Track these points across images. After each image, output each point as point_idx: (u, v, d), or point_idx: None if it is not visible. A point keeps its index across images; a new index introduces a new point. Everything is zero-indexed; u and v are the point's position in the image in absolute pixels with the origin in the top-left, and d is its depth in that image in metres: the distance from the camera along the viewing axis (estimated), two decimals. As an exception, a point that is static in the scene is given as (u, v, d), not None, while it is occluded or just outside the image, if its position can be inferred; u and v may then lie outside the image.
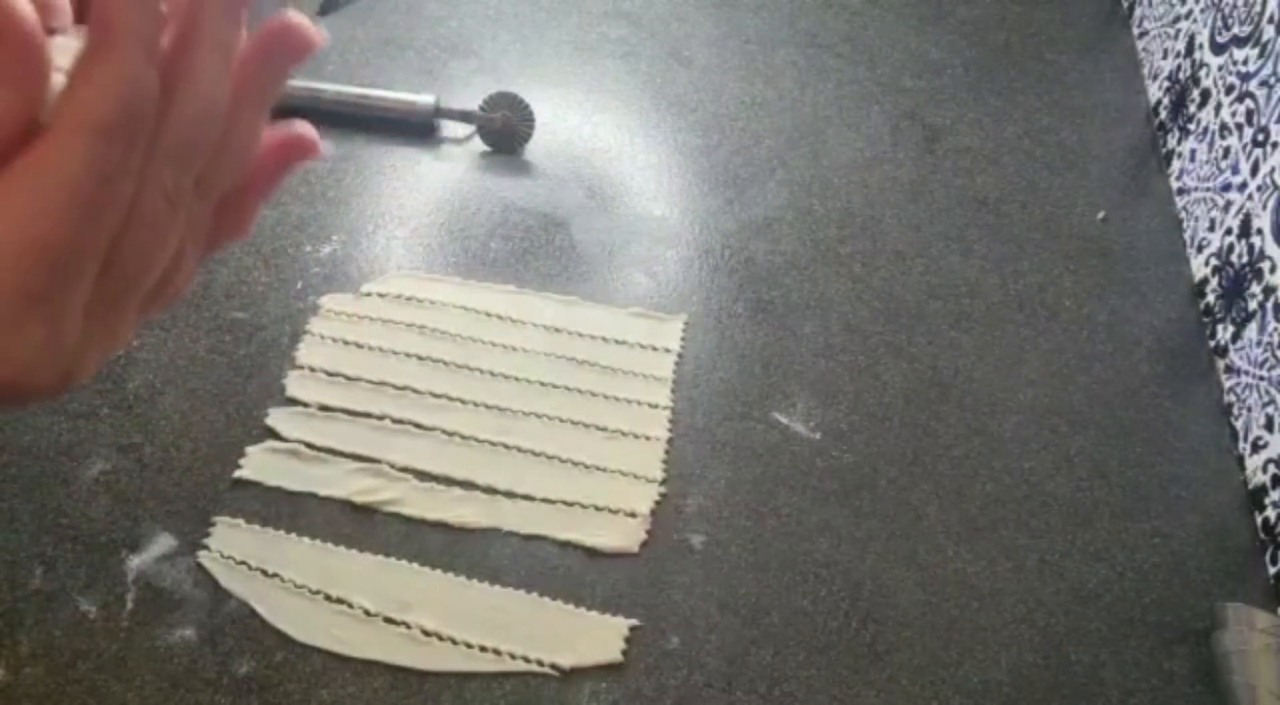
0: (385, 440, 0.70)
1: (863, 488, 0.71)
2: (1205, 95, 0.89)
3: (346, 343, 0.75)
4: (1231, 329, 0.78)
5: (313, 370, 0.73)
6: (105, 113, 0.25)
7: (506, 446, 0.70)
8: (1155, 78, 1.00)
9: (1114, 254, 0.87)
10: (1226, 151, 0.83)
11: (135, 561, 0.63)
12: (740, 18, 1.05)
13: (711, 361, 0.77)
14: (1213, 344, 0.81)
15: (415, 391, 0.72)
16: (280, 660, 0.60)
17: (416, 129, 0.90)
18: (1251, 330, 0.76)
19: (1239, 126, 0.82)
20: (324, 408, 0.71)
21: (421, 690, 0.59)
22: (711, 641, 0.63)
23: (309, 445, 0.69)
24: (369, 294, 0.78)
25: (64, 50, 0.28)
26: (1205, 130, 0.88)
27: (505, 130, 0.89)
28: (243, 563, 0.63)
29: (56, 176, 0.25)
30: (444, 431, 0.71)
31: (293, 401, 0.71)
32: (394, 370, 0.73)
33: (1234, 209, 0.81)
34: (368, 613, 0.62)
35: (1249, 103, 0.81)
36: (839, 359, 0.78)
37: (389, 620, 0.62)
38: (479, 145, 0.91)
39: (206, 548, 0.64)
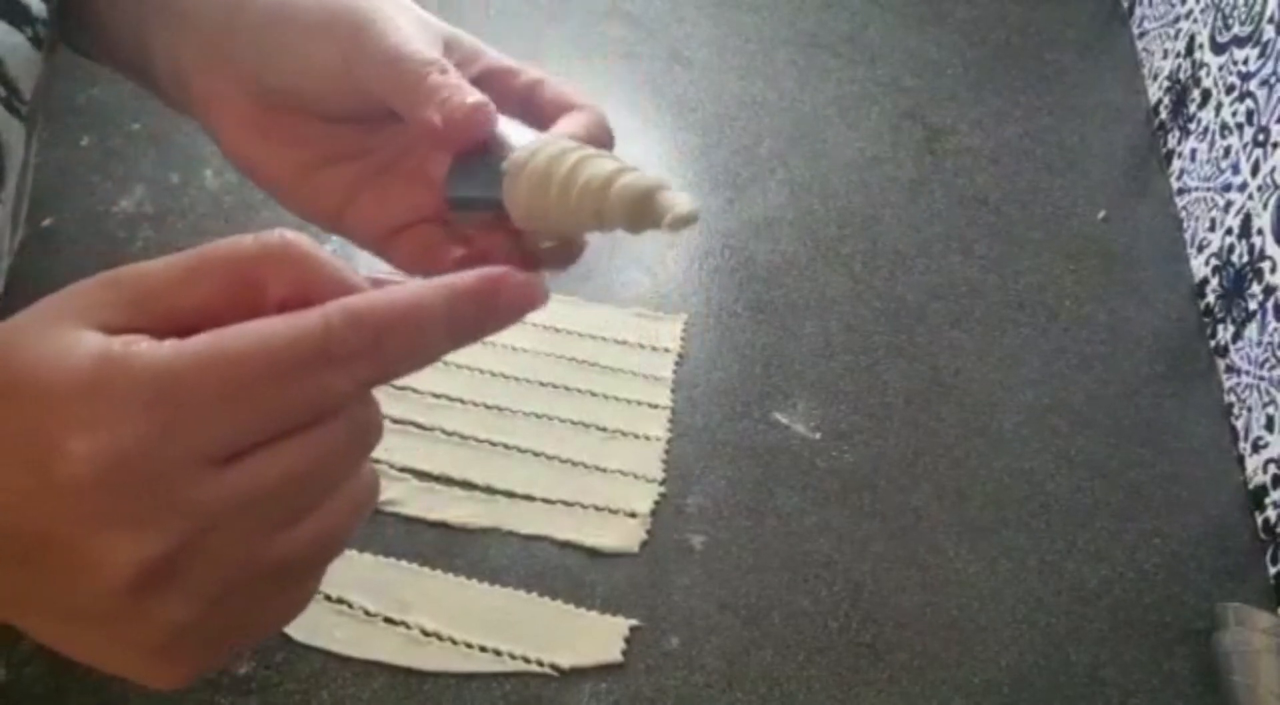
0: (385, 440, 0.69)
1: (863, 488, 0.71)
2: (1205, 95, 0.89)
3: (346, 343, 0.75)
4: (1232, 329, 0.78)
5: (313, 370, 0.73)
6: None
7: (506, 446, 0.70)
8: (1155, 78, 1.00)
9: (1114, 254, 0.87)
10: (1227, 151, 0.83)
11: (135, 561, 0.63)
12: (740, 18, 1.05)
13: (711, 361, 0.77)
14: (1213, 344, 0.81)
15: (415, 391, 0.72)
16: (280, 660, 0.60)
17: (416, 129, 0.90)
18: (1252, 330, 0.76)
19: (1239, 126, 0.82)
20: (324, 408, 0.71)
21: (421, 690, 0.59)
22: (711, 641, 0.63)
23: (309, 445, 0.69)
24: (369, 294, 0.78)
25: None
26: (1205, 130, 0.88)
27: (505, 130, 0.89)
28: (242, 563, 0.63)
29: None
30: (443, 431, 0.71)
31: (293, 401, 0.71)
32: (394, 370, 0.73)
33: (1234, 209, 0.81)
34: (367, 613, 0.62)
35: (1249, 102, 0.81)
36: (839, 359, 0.78)
37: (389, 620, 0.62)
38: (479, 145, 0.90)
39: (206, 548, 0.64)
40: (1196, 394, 0.78)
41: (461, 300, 0.27)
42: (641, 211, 0.32)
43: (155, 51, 0.40)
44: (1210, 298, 0.82)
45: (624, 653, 0.61)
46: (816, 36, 1.04)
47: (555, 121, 0.37)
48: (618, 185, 0.33)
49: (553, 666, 0.60)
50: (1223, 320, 0.80)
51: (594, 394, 0.73)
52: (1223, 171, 0.83)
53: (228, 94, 0.38)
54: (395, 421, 0.71)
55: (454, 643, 0.61)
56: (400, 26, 0.36)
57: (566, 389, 0.74)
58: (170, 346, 0.23)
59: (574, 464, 0.70)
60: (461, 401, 0.72)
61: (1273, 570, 0.69)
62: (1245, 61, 0.82)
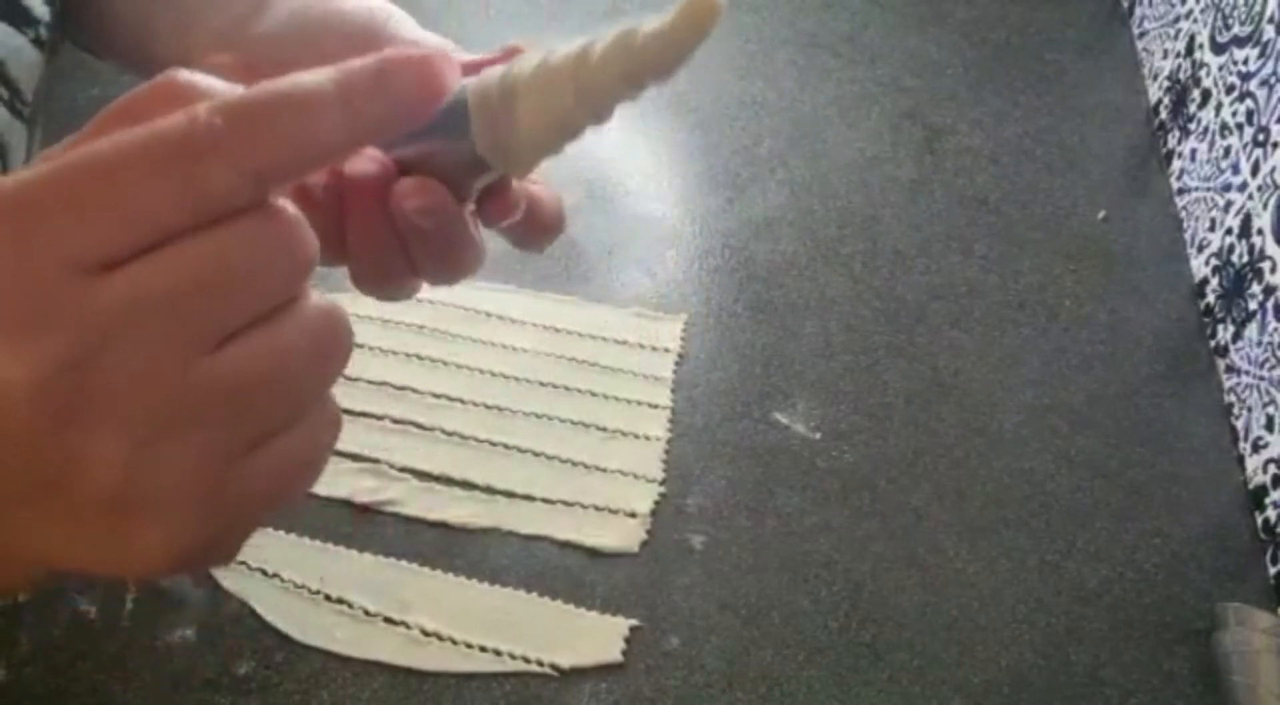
0: (385, 440, 0.70)
1: (863, 488, 0.71)
2: (1205, 95, 0.89)
3: (346, 343, 0.75)
4: (1232, 329, 0.78)
5: (313, 370, 0.73)
6: None
7: (506, 446, 0.70)
8: (1155, 78, 1.00)
9: (1114, 254, 0.87)
10: (1227, 151, 0.83)
11: (135, 561, 0.63)
12: (740, 18, 1.05)
13: (711, 361, 0.77)
14: (1213, 344, 0.81)
15: (415, 391, 0.72)
16: (280, 660, 0.60)
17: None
18: (1252, 330, 0.76)
19: (1239, 126, 0.82)
20: (324, 408, 0.71)
21: (421, 690, 0.59)
22: (711, 641, 0.63)
23: (309, 445, 0.69)
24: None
25: None
26: (1205, 130, 0.88)
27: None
28: (242, 562, 0.63)
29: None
30: (444, 431, 0.71)
31: (293, 401, 0.71)
32: (394, 370, 0.73)
33: (1234, 209, 0.81)
34: (367, 613, 0.62)
35: (1249, 102, 0.81)
36: (839, 359, 0.78)
37: (388, 620, 0.62)
38: (479, 145, 0.90)
39: (206, 548, 0.64)
40: (1196, 394, 0.78)
41: (355, 78, 0.25)
42: (635, 51, 0.27)
43: (157, 46, 0.41)
44: (1210, 298, 0.82)
45: (624, 653, 0.61)
46: (816, 36, 1.04)
47: None
48: (597, 48, 0.28)
49: (553, 666, 0.60)
50: (1223, 320, 0.80)
51: (594, 394, 0.74)
52: (1223, 171, 0.83)
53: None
54: (395, 421, 0.71)
55: (454, 643, 0.61)
56: (415, 27, 0.37)
57: (566, 389, 0.74)
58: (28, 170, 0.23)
59: (574, 464, 0.70)
60: (461, 401, 0.72)
61: (1273, 570, 0.69)
62: (1245, 61, 0.82)
